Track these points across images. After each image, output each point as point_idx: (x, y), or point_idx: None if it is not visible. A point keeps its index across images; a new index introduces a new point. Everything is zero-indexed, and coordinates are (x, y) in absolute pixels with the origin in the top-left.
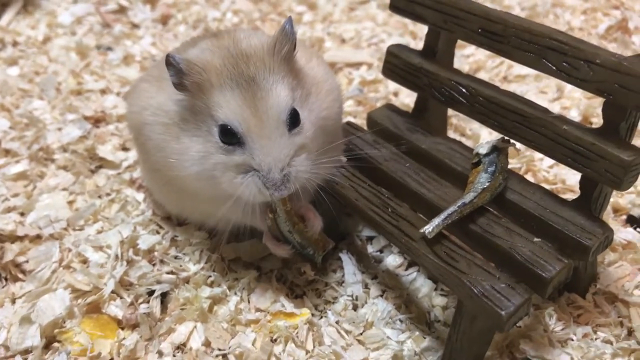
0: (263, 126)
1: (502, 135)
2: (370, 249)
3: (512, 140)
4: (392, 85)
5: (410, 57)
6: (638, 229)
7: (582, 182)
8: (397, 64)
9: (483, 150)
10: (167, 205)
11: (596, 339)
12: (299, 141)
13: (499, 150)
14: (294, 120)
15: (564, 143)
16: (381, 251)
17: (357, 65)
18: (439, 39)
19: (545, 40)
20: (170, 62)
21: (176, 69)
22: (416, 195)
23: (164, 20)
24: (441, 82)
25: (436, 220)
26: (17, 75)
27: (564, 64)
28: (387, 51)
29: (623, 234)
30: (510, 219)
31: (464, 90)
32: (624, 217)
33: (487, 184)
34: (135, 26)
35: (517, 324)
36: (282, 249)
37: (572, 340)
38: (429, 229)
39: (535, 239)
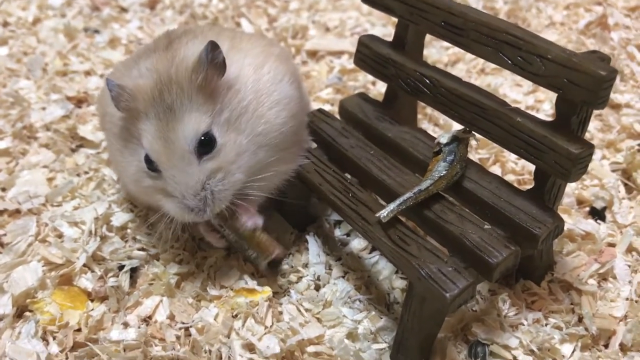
0: (171, 156)
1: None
2: (338, 232)
3: (472, 131)
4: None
5: (380, 47)
6: (599, 221)
7: (536, 173)
8: (367, 54)
9: (444, 140)
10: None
11: (546, 324)
12: (212, 165)
13: (459, 140)
14: (206, 146)
15: (517, 135)
16: (348, 235)
17: (338, 53)
18: (408, 31)
19: (502, 35)
20: (107, 85)
21: (111, 95)
22: (378, 182)
23: (152, 4)
24: (407, 73)
25: (391, 206)
26: (6, 55)
27: (519, 58)
28: (359, 41)
29: (583, 224)
30: (465, 207)
31: (427, 81)
32: (587, 209)
33: (444, 172)
34: (123, 10)
35: (473, 309)
36: (212, 237)
37: (523, 325)
38: (383, 213)
39: (486, 226)
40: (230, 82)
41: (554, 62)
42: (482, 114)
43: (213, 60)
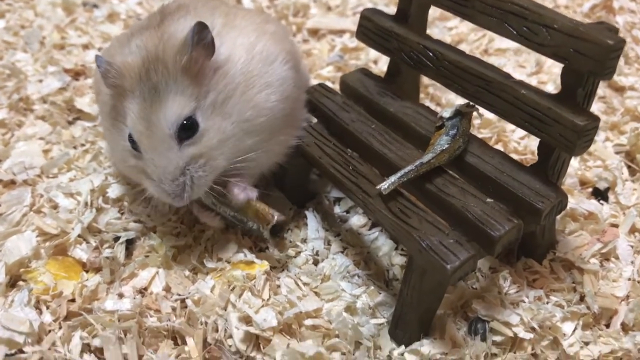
0: (151, 139)
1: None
2: (337, 209)
3: (476, 106)
4: (373, 53)
5: (383, 20)
6: (602, 201)
7: (540, 148)
8: (369, 28)
9: (446, 114)
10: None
11: (548, 302)
12: (192, 152)
13: (462, 115)
14: (187, 131)
15: (522, 107)
16: (347, 212)
17: (340, 32)
18: (412, 4)
19: (507, 5)
20: (96, 62)
21: (100, 71)
22: (379, 156)
23: None
24: (410, 46)
25: (392, 178)
26: (2, 28)
27: (524, 28)
28: (361, 15)
29: (586, 204)
30: (468, 181)
31: (430, 54)
32: (590, 189)
33: (447, 146)
34: None
35: (473, 286)
36: (207, 217)
37: (524, 302)
38: (384, 185)
39: (488, 200)
40: (219, 63)
41: (560, 31)
42: (486, 86)
43: (200, 41)
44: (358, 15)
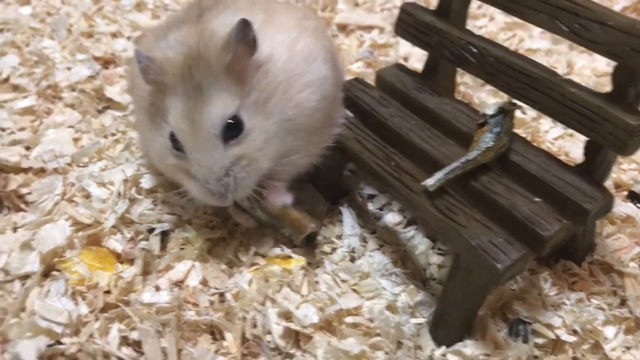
0: (196, 138)
1: (509, 99)
2: (371, 206)
3: (518, 103)
4: (403, 50)
5: (423, 15)
6: (638, 205)
7: (587, 148)
8: (409, 22)
9: (490, 112)
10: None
11: (589, 305)
12: (238, 152)
13: (505, 112)
14: (232, 130)
15: (570, 106)
16: (381, 209)
17: (369, 28)
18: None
19: (559, 1)
20: (136, 57)
21: (140, 67)
22: (420, 152)
23: None
24: (452, 41)
25: (438, 174)
26: (28, 15)
27: (576, 25)
28: (401, 9)
29: (623, 207)
30: (512, 180)
31: (474, 49)
32: (625, 193)
33: (492, 143)
34: None
35: (512, 287)
36: (242, 218)
37: (566, 304)
38: (430, 182)
39: (536, 199)
40: (261, 61)
41: (616, 29)
42: (532, 83)
43: (243, 39)
44: (387, 12)
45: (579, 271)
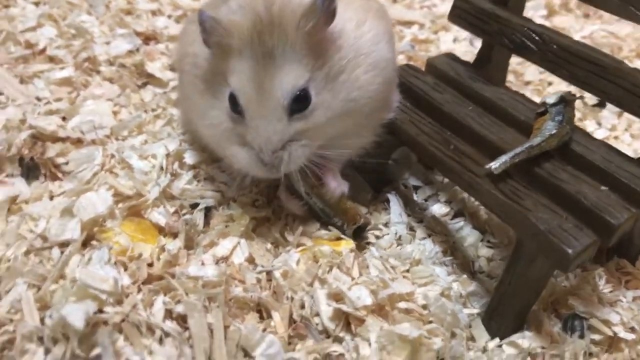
0: (262, 105)
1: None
2: (416, 197)
3: (581, 95)
4: (444, 46)
5: (481, 2)
6: None
7: None
8: (466, 9)
9: (551, 100)
10: (192, 136)
11: None
12: (301, 127)
13: (566, 102)
14: (300, 103)
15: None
16: (426, 200)
17: (408, 24)
18: None
19: None
20: (200, 17)
21: (203, 27)
22: (479, 137)
23: None
24: (513, 29)
25: (503, 158)
26: None
27: None
28: None
29: None
30: (576, 169)
31: (536, 37)
32: None
33: (554, 130)
34: None
35: (563, 284)
36: (294, 205)
37: (622, 302)
38: (495, 165)
39: (602, 187)
40: (335, 35)
41: None
42: (599, 72)
43: (328, 8)
44: (426, 10)
45: (633, 270)
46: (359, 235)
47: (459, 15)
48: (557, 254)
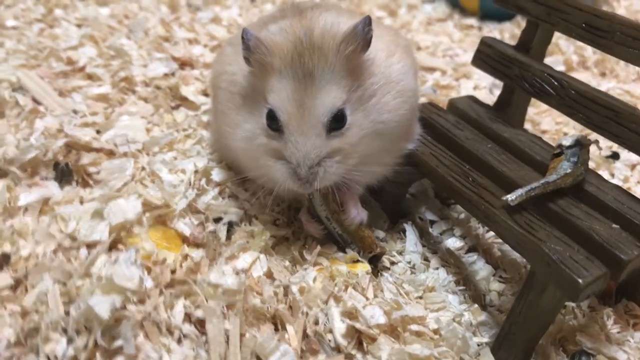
0: (302, 122)
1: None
2: (431, 230)
3: (596, 140)
4: (465, 92)
5: (504, 48)
6: None
7: None
8: (489, 54)
9: (567, 143)
10: (223, 155)
11: None
12: (337, 144)
13: (581, 145)
14: (337, 122)
15: None
16: (441, 234)
17: (431, 70)
18: (536, 34)
19: None
20: (243, 36)
21: (246, 45)
22: (497, 172)
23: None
24: (533, 74)
25: (519, 191)
26: (107, 15)
27: None
28: (481, 41)
29: None
30: (589, 207)
31: (555, 82)
32: None
33: (570, 170)
34: None
35: (571, 322)
36: (313, 228)
37: (630, 342)
38: (512, 197)
39: (614, 225)
40: (367, 62)
41: None
42: (615, 117)
43: (366, 35)
44: (448, 58)
45: None
46: (375, 264)
47: (483, 60)
48: (567, 283)
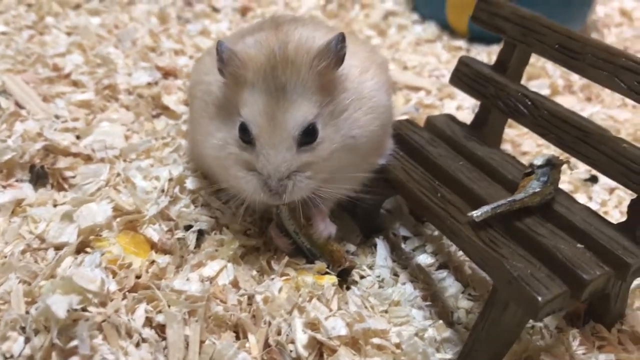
0: (274, 135)
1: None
2: (404, 247)
3: (568, 160)
4: (447, 111)
5: (481, 67)
6: None
7: (632, 206)
8: (467, 73)
9: (538, 162)
10: (198, 164)
11: None
12: (307, 158)
13: (552, 165)
14: (308, 136)
15: (621, 161)
16: (414, 250)
17: (416, 89)
18: (513, 55)
19: (621, 60)
20: (217, 48)
21: (220, 56)
22: (467, 189)
23: (244, 11)
24: (508, 93)
25: (485, 208)
26: (97, 24)
27: (636, 83)
28: (459, 61)
29: None
30: (556, 227)
31: (529, 102)
32: None
33: (538, 189)
34: (215, 10)
35: (538, 342)
36: (282, 242)
37: None
38: (477, 213)
39: (579, 245)
40: (341, 78)
41: None
42: (584, 138)
43: (339, 51)
44: (434, 78)
45: (608, 335)
46: (344, 278)
47: (460, 78)
48: (527, 300)
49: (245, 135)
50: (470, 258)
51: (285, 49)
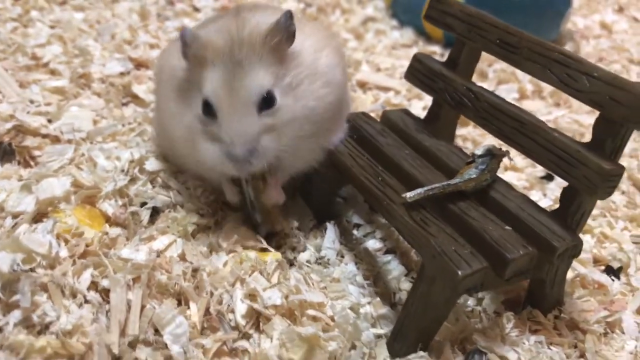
0: (233, 103)
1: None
2: (356, 233)
3: (507, 151)
4: (414, 111)
5: (433, 63)
6: (613, 278)
7: (563, 194)
8: (419, 69)
9: (478, 152)
10: (162, 147)
11: (548, 350)
12: (269, 122)
13: (492, 155)
14: (267, 102)
15: (552, 149)
16: (365, 236)
17: (386, 89)
18: (462, 52)
19: (554, 54)
20: (181, 32)
21: (183, 40)
22: (407, 174)
23: (223, 11)
24: (454, 87)
25: (419, 190)
26: (80, 19)
27: (565, 75)
28: (413, 57)
29: (597, 275)
30: (488, 211)
31: (472, 95)
32: (603, 267)
33: (474, 175)
34: (196, 9)
35: (476, 325)
36: (230, 190)
37: (524, 344)
38: (410, 194)
39: (507, 227)
40: (294, 54)
41: (600, 79)
42: (521, 128)
43: (288, 28)
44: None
45: (544, 320)
46: (271, 239)
47: (413, 74)
48: (448, 274)
49: (208, 110)
50: (402, 236)
51: (242, 30)
